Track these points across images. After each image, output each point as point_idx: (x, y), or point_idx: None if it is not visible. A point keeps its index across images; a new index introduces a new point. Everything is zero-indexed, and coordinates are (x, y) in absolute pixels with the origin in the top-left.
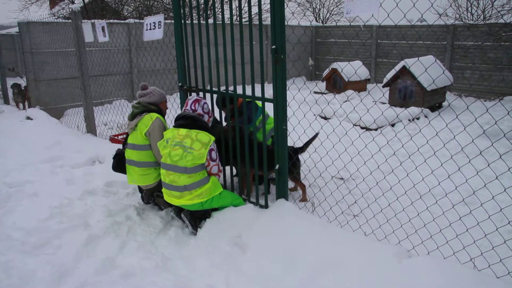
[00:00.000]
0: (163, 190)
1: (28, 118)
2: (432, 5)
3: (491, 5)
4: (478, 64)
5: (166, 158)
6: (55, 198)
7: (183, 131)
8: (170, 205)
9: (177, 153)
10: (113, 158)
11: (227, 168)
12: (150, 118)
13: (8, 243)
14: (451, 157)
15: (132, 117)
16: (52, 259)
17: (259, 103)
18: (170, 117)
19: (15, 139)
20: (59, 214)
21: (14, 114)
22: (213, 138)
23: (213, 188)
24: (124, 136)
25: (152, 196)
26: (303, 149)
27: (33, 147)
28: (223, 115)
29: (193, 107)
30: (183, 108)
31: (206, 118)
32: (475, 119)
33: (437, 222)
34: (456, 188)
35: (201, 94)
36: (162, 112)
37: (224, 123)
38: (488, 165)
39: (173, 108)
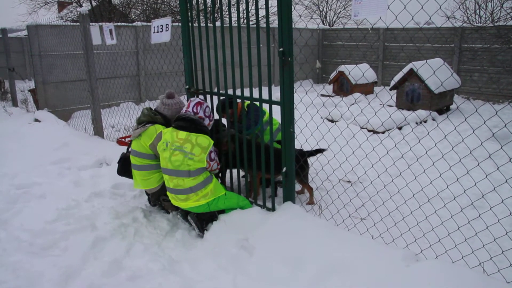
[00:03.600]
0: (168, 194)
1: (36, 120)
2: (440, 7)
3: (499, 7)
4: (486, 67)
5: (166, 163)
6: (62, 200)
7: (182, 134)
8: (177, 208)
9: (178, 158)
10: (118, 162)
11: (234, 170)
12: (154, 130)
13: (16, 244)
14: (460, 160)
15: (139, 123)
16: (59, 261)
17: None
18: None
19: (23, 141)
20: (66, 216)
21: (23, 116)
22: (212, 142)
23: (217, 188)
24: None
25: (158, 200)
26: (312, 153)
27: (41, 149)
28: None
29: (195, 110)
30: (184, 109)
31: (207, 122)
32: (484, 122)
33: (446, 226)
34: (464, 192)
35: (208, 96)
36: (169, 125)
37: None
38: (497, 168)
39: None
